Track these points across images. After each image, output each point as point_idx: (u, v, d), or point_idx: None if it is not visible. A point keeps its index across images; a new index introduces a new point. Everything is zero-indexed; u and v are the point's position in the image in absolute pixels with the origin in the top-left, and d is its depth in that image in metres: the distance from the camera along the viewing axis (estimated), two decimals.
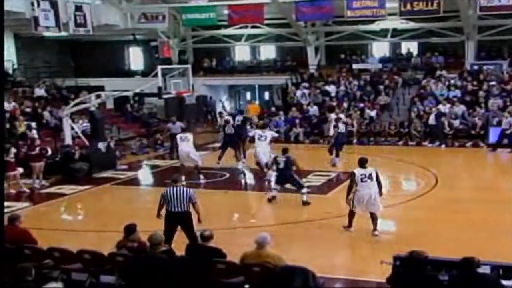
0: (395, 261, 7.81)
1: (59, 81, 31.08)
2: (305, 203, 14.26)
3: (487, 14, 26.56)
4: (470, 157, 21.48)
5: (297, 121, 25.93)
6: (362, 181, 11.49)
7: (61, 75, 32.21)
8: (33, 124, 21.65)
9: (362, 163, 11.68)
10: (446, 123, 23.45)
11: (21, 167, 17.21)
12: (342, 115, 20.78)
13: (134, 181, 18.83)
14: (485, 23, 28.24)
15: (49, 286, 5.78)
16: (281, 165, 14.52)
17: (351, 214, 11.79)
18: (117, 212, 14.46)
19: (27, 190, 16.92)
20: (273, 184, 15.14)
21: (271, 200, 14.65)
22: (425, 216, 13.13)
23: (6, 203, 15.26)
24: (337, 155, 19.48)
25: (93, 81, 31.45)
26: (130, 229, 8.87)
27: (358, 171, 11.56)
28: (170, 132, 22.41)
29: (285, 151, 14.83)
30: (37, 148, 17.69)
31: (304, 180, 16.84)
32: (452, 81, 27.04)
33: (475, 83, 26.45)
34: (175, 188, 10.47)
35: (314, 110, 26.93)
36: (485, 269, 7.11)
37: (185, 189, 10.49)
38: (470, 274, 6.90)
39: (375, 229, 11.59)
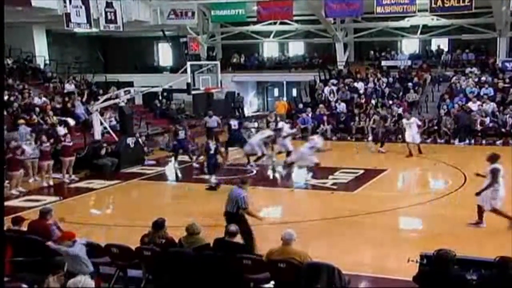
0: (422, 260, 7.76)
1: (89, 76, 31.46)
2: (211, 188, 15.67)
3: None
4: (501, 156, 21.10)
5: (325, 118, 25.84)
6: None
7: (91, 70, 32.63)
8: (70, 121, 21.99)
9: (495, 159, 11.66)
10: (478, 121, 23.15)
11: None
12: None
13: (161, 177, 18.99)
14: None
15: (77, 279, 5.85)
16: (212, 151, 16.12)
17: (480, 210, 11.68)
18: (145, 207, 14.60)
19: (52, 184, 17.18)
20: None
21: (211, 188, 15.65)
22: (453, 214, 12.98)
23: (35, 197, 15.65)
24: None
25: (122, 77, 31.76)
26: (158, 225, 8.94)
27: (500, 167, 11.54)
28: (206, 126, 22.70)
29: (218, 139, 16.42)
30: (66, 143, 17.95)
31: (331, 177, 16.91)
32: (483, 78, 26.68)
33: (507, 80, 26.07)
34: (233, 188, 10.76)
35: (342, 107, 26.80)
36: None
37: (239, 191, 10.53)
38: (505, 275, 6.75)
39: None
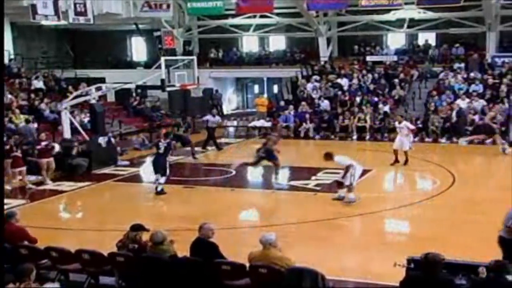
0: (409, 264, 7.81)
1: (58, 72, 31.18)
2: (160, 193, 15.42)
3: (511, 3, 26.44)
4: (489, 154, 21.37)
5: (307, 116, 25.90)
6: None
7: (60, 66, 32.32)
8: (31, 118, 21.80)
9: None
10: (467, 119, 23.41)
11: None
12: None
13: (136, 178, 18.89)
14: (508, 13, 28.02)
15: (47, 287, 5.81)
16: (161, 150, 15.63)
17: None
18: (118, 210, 14.52)
19: (33, 187, 17.00)
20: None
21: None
22: (441, 216, 13.10)
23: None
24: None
25: (94, 73, 31.55)
26: (132, 229, 8.91)
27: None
28: (207, 125, 22.95)
29: (167, 134, 16.18)
30: (43, 143, 17.75)
31: (314, 178, 16.96)
32: (471, 75, 26.95)
33: (496, 76, 26.37)
34: None
35: (325, 104, 26.89)
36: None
37: None
38: (499, 280, 6.80)
39: None
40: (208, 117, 23.01)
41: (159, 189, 15.61)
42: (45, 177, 17.54)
